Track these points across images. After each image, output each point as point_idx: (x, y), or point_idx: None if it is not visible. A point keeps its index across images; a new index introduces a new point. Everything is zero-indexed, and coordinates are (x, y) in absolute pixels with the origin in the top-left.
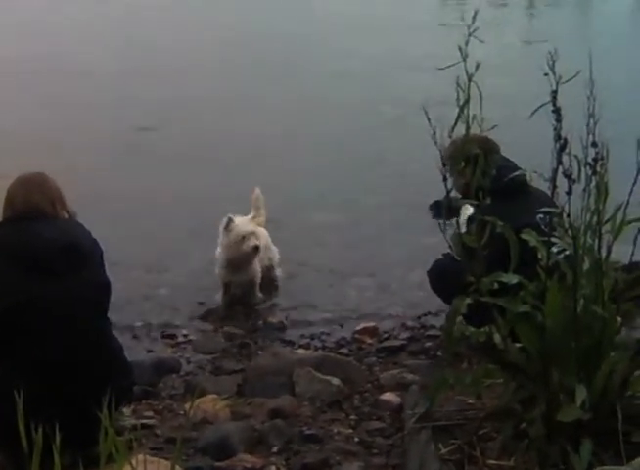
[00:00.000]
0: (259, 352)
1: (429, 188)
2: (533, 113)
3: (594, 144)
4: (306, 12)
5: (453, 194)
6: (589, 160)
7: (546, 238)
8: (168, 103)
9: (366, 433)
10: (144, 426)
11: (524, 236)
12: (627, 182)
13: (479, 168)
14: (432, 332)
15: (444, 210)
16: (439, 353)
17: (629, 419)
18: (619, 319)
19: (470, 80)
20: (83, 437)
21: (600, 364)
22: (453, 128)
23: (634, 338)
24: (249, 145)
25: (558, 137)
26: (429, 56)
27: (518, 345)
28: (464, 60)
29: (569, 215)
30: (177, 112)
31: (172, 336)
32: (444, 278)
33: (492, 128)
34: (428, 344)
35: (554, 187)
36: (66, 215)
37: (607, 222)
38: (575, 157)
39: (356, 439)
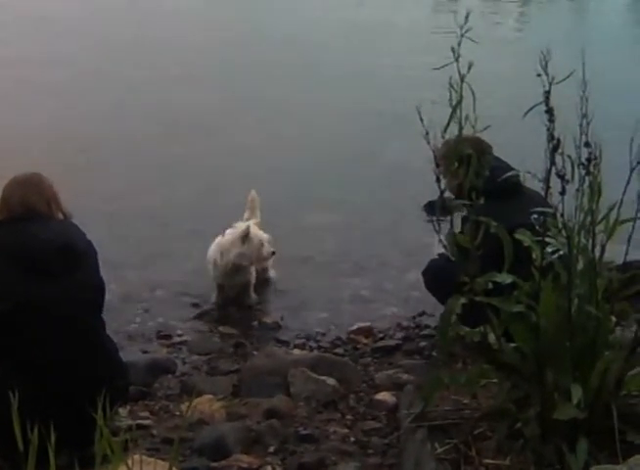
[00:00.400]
0: (255, 353)
1: (424, 188)
2: (526, 113)
3: (587, 144)
4: (304, 15)
5: (447, 194)
6: (582, 160)
7: (540, 238)
8: (168, 105)
9: (362, 433)
10: (140, 426)
11: (517, 236)
12: (621, 182)
13: (472, 169)
14: (426, 332)
15: (438, 210)
16: (434, 353)
17: (624, 418)
18: (614, 319)
19: (462, 81)
20: (79, 437)
21: (594, 364)
22: (446, 129)
23: (628, 337)
24: (244, 146)
25: (551, 137)
26: (424, 56)
27: (512, 345)
28: (456, 60)
29: (562, 215)
30: (175, 113)
31: (167, 337)
32: (439, 278)
33: (485, 129)
34: (423, 344)
35: (547, 187)
36: (61, 216)
37: (600, 222)
38: (569, 157)
39: (352, 439)
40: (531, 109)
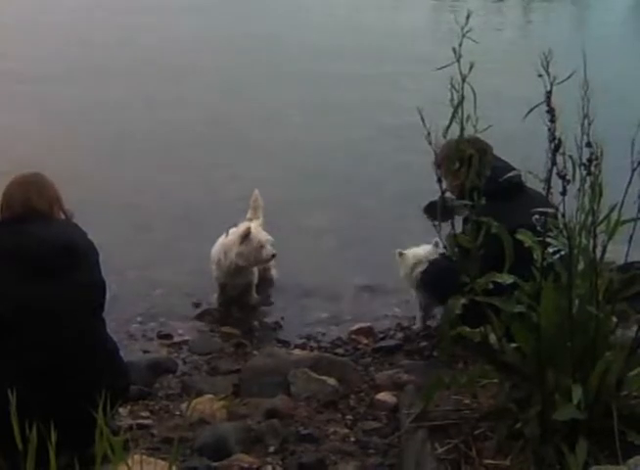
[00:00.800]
0: (255, 353)
1: (425, 188)
2: (528, 113)
3: (588, 144)
4: (303, 17)
5: (448, 195)
6: (584, 160)
7: (541, 238)
8: (166, 104)
9: (362, 433)
10: (140, 426)
11: (518, 236)
12: (622, 183)
13: (473, 169)
14: (427, 332)
15: (439, 213)
16: (435, 354)
17: (624, 419)
18: (614, 319)
19: (464, 81)
20: (79, 437)
21: (595, 364)
22: (447, 129)
23: (629, 337)
24: (246, 147)
25: (552, 137)
26: (425, 56)
27: (513, 345)
28: (458, 61)
29: (563, 216)
30: (175, 113)
31: (168, 336)
32: (440, 278)
33: (487, 128)
34: (423, 344)
35: (549, 187)
36: (62, 216)
37: (601, 222)
38: (570, 157)
39: (352, 439)
40: (533, 109)
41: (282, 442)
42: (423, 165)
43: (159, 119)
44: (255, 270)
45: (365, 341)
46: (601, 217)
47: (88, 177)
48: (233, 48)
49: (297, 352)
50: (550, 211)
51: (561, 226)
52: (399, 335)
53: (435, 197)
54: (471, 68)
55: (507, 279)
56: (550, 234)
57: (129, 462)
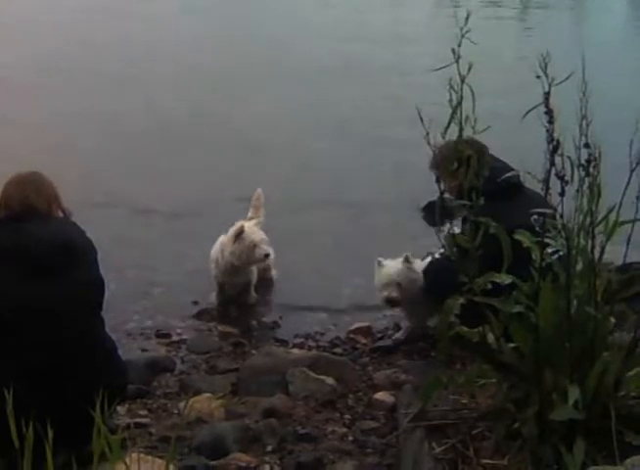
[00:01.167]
0: (254, 352)
1: (424, 188)
2: (526, 114)
3: (587, 145)
4: (300, 17)
5: (446, 195)
6: (582, 161)
7: (540, 239)
8: (167, 104)
9: (360, 432)
10: (138, 425)
11: (517, 237)
12: (620, 183)
13: (471, 169)
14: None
15: (437, 211)
16: (433, 354)
17: (622, 419)
18: (613, 320)
19: (463, 82)
20: (77, 435)
21: (593, 364)
22: (446, 129)
23: (627, 338)
24: (246, 146)
25: (550, 139)
26: (424, 57)
27: (511, 345)
28: (457, 61)
29: (562, 216)
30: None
31: (166, 335)
32: (439, 278)
33: (485, 129)
34: (421, 344)
35: (547, 188)
36: (61, 214)
37: (600, 223)
38: (568, 158)
39: (350, 438)
40: (531, 110)
41: (280, 441)
42: (423, 165)
43: (158, 119)
44: (254, 270)
45: (363, 340)
46: (599, 218)
47: (87, 176)
48: (233, 48)
49: (295, 351)
50: (548, 211)
51: (559, 227)
52: (397, 335)
53: (434, 197)
54: (469, 68)
55: (505, 279)
56: (548, 234)
57: (127, 461)
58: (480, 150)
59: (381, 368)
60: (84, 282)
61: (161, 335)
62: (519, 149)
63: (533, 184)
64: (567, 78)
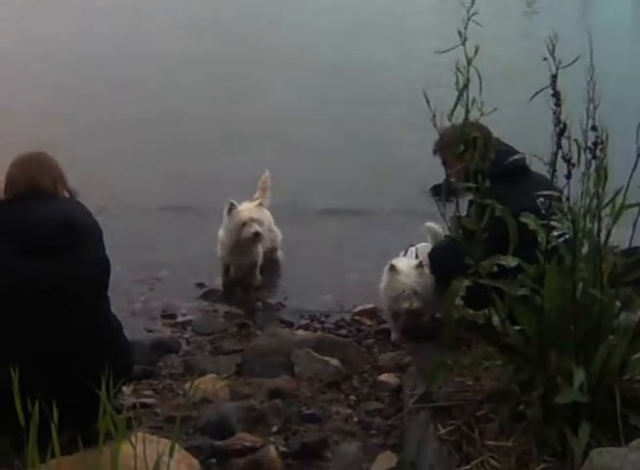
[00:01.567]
0: (258, 333)
1: (430, 175)
2: (533, 96)
3: (594, 128)
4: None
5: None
6: (589, 144)
7: (546, 221)
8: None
9: (365, 413)
10: (143, 405)
11: (522, 219)
12: (627, 167)
13: (477, 152)
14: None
15: (444, 194)
16: (439, 336)
17: (627, 402)
18: (618, 303)
19: (469, 64)
20: (83, 415)
21: (598, 347)
22: (453, 112)
23: (633, 321)
24: (259, 129)
25: (557, 121)
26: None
27: (516, 327)
28: (463, 44)
29: (568, 199)
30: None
31: (172, 316)
32: (445, 260)
33: (492, 112)
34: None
35: (553, 171)
36: (67, 194)
37: (606, 206)
38: (575, 141)
39: (355, 419)
40: (538, 92)
41: (285, 421)
42: (430, 152)
43: (161, 106)
44: (260, 251)
45: (369, 322)
46: (606, 201)
47: (92, 161)
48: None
49: (300, 332)
50: (555, 194)
51: (565, 210)
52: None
53: (440, 180)
54: (476, 51)
55: (511, 262)
56: (554, 217)
57: (132, 440)
58: (486, 133)
59: (386, 350)
60: (89, 261)
61: (167, 316)
62: (525, 132)
63: (540, 167)
64: (574, 61)
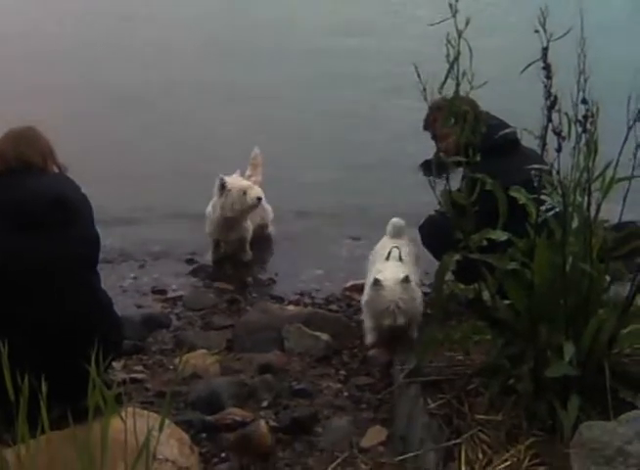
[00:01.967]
0: (249, 309)
1: (422, 147)
2: (524, 69)
3: (584, 101)
4: None
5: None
6: (579, 117)
7: (536, 195)
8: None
9: (355, 388)
10: (134, 380)
11: (513, 193)
12: (617, 140)
13: (468, 125)
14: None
15: (434, 169)
16: (429, 311)
17: (617, 376)
18: (608, 277)
19: (460, 37)
20: (72, 390)
21: (588, 322)
22: (443, 85)
23: (622, 296)
24: (248, 107)
25: (548, 94)
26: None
27: (506, 302)
28: (454, 16)
29: (558, 173)
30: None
31: (162, 292)
32: (435, 234)
33: (482, 85)
34: None
35: (544, 144)
36: (56, 170)
37: (596, 180)
38: (565, 114)
39: (345, 394)
40: (529, 65)
41: (275, 396)
42: (420, 124)
43: (155, 79)
44: (249, 226)
45: (359, 297)
46: (596, 175)
47: (87, 131)
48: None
49: (290, 307)
50: (545, 168)
51: (555, 183)
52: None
53: (431, 155)
54: (467, 23)
55: (501, 236)
56: (545, 191)
57: (122, 415)
58: (476, 106)
59: None
60: (79, 237)
61: (157, 291)
62: (516, 106)
63: (530, 141)
64: (565, 34)
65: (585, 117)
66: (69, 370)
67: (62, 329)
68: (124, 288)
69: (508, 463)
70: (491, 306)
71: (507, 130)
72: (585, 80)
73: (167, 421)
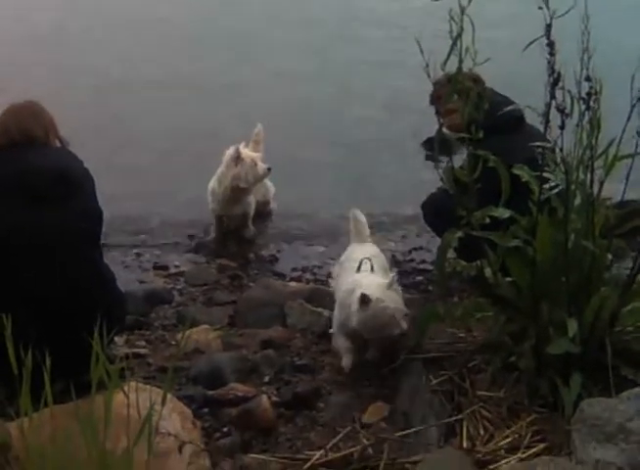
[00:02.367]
0: (251, 285)
1: (423, 125)
2: (527, 46)
3: (588, 78)
4: None
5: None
6: (583, 94)
7: (539, 173)
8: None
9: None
10: (136, 355)
11: (515, 171)
12: (621, 118)
13: (470, 102)
14: (423, 266)
15: (437, 148)
16: (430, 287)
17: (618, 353)
18: (610, 255)
19: (463, 13)
20: (75, 364)
21: (590, 299)
22: (446, 61)
23: (624, 273)
24: (248, 87)
25: (552, 71)
26: None
27: (508, 279)
28: None
29: (561, 150)
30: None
31: (164, 267)
32: (438, 211)
33: (486, 61)
34: (419, 278)
35: (547, 122)
36: (58, 144)
37: (599, 157)
38: (569, 92)
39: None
40: (533, 42)
41: (277, 372)
42: (422, 102)
43: (166, 64)
44: (252, 201)
45: None
46: (599, 152)
47: (89, 109)
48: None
49: (292, 284)
50: (548, 146)
51: (559, 161)
52: (395, 269)
53: (434, 133)
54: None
55: (503, 213)
56: (548, 169)
57: (125, 389)
58: (481, 82)
59: None
60: (82, 211)
61: (159, 267)
62: (519, 82)
63: (533, 118)
64: (568, 11)
65: (589, 94)
66: (72, 344)
67: (64, 303)
68: (126, 263)
69: (509, 439)
70: (493, 284)
71: (511, 107)
72: (589, 58)
73: (170, 396)
